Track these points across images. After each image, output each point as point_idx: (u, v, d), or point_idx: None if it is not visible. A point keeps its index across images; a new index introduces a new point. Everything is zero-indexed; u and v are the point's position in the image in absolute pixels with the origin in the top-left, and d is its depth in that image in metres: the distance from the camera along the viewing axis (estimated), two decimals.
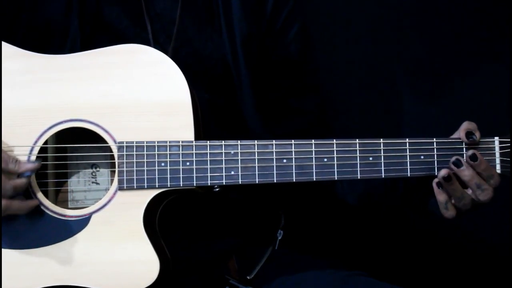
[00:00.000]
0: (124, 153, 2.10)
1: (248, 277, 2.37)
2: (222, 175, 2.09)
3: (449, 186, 2.06)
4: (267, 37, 2.36)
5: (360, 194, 2.33)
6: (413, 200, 2.24)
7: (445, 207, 2.09)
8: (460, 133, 2.08)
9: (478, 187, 2.06)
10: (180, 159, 2.09)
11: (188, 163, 2.09)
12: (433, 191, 2.09)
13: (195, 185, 2.09)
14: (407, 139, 2.08)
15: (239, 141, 2.10)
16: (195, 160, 2.09)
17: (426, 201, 2.19)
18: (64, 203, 2.18)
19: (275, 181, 2.08)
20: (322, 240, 3.00)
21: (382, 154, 2.08)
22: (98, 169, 2.20)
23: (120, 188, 2.09)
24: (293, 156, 2.09)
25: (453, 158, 2.06)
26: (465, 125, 2.09)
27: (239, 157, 2.09)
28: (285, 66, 2.39)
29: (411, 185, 2.23)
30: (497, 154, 2.07)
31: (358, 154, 2.08)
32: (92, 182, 2.20)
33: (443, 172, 2.06)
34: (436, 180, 2.08)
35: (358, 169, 2.08)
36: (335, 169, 2.08)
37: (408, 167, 2.07)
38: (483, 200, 2.07)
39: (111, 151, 2.11)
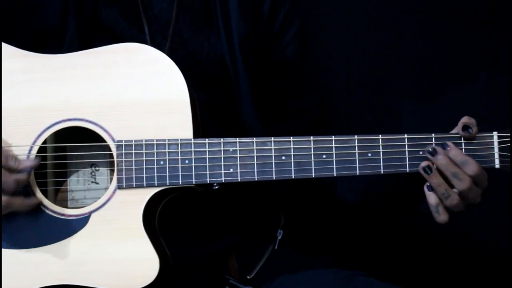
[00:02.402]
0: (123, 151, 2.10)
1: (248, 277, 2.37)
2: (221, 173, 2.09)
3: (431, 179, 2.05)
4: (265, 38, 2.36)
5: (361, 192, 2.33)
6: (411, 199, 2.24)
7: (437, 210, 2.08)
8: (458, 127, 2.08)
9: (454, 176, 2.05)
10: (179, 157, 2.09)
11: (187, 161, 2.09)
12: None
13: (194, 183, 2.09)
14: (405, 135, 2.08)
15: (237, 139, 2.10)
16: (194, 158, 2.09)
17: (420, 200, 2.19)
18: (63, 203, 2.18)
19: (274, 178, 2.08)
20: (322, 240, 3.00)
21: (381, 150, 2.08)
22: (97, 168, 2.20)
23: (119, 187, 2.09)
24: (292, 153, 2.08)
25: (428, 147, 2.06)
26: (464, 119, 2.09)
27: (238, 155, 2.09)
28: (283, 67, 2.39)
29: (411, 183, 2.22)
30: (496, 149, 2.07)
31: (357, 150, 2.08)
32: (92, 182, 2.20)
33: (424, 163, 2.06)
34: (426, 183, 2.07)
35: (357, 165, 2.07)
36: (334, 166, 2.08)
37: (407, 162, 2.07)
38: (461, 189, 2.05)
39: (110, 150, 2.11)
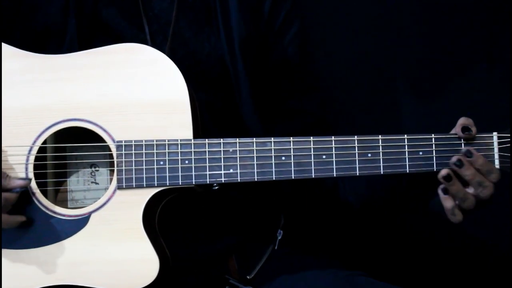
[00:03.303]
0: (123, 152, 2.10)
1: (248, 277, 2.37)
2: (221, 173, 2.09)
3: (450, 186, 2.06)
4: (266, 38, 2.36)
5: (363, 194, 2.33)
6: (412, 199, 2.24)
7: (452, 212, 2.08)
8: (456, 129, 2.09)
9: (479, 184, 2.05)
10: (179, 157, 2.09)
11: (187, 162, 2.09)
12: (434, 190, 2.09)
13: (194, 183, 2.09)
14: (405, 135, 2.08)
15: (237, 139, 2.10)
16: (194, 159, 2.09)
17: (426, 200, 2.19)
18: (63, 203, 2.18)
19: (273, 178, 2.08)
20: (322, 240, 3.00)
21: (380, 150, 2.08)
22: (97, 168, 2.20)
23: (119, 187, 2.10)
24: (292, 153, 2.09)
25: (454, 159, 2.06)
26: (462, 121, 2.09)
27: (238, 155, 2.09)
28: (283, 67, 2.39)
29: (411, 183, 2.23)
30: (496, 150, 2.08)
31: (356, 151, 2.08)
32: (92, 182, 2.20)
33: (443, 171, 2.06)
34: (441, 186, 2.07)
35: (357, 165, 2.08)
36: (334, 166, 2.08)
37: (407, 163, 2.07)
38: (484, 196, 2.06)
39: (110, 151, 2.11)
